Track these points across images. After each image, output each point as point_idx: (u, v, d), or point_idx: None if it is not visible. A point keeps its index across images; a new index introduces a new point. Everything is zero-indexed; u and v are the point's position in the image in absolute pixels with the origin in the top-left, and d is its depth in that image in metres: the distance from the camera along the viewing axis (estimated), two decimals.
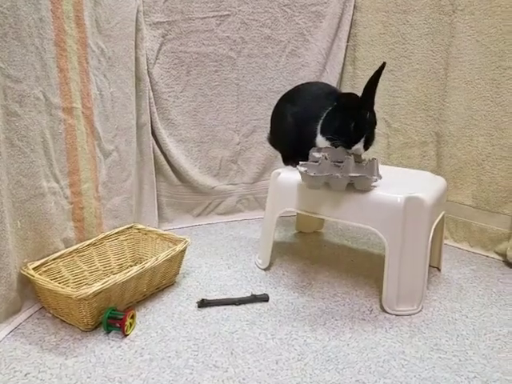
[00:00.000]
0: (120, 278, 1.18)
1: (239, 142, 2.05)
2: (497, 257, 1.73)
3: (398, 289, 1.29)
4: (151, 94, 1.76)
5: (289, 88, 1.85)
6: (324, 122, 1.42)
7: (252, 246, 1.77)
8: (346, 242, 1.84)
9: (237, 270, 1.55)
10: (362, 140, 1.35)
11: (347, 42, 2.08)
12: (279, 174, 1.50)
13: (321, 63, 2.09)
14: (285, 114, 1.56)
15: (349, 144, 1.35)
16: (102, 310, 1.19)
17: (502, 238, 1.71)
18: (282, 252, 1.71)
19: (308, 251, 1.75)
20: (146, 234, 1.53)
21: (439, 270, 1.59)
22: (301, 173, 1.33)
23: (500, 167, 1.68)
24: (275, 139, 1.68)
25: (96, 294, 1.14)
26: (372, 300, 1.37)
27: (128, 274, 1.20)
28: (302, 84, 1.62)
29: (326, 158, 1.28)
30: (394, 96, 1.96)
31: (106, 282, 1.15)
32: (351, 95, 1.38)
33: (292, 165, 1.56)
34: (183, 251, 1.40)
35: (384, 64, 1.33)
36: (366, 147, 1.38)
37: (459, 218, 1.82)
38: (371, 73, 1.37)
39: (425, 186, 1.39)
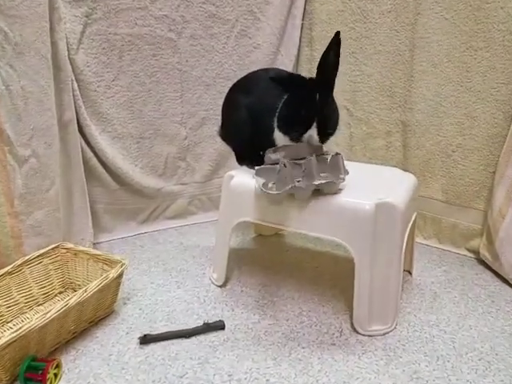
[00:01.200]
0: (36, 322, 0.96)
1: (186, 136, 1.84)
2: (468, 254, 1.65)
3: (370, 306, 1.15)
4: (75, 85, 1.50)
5: (240, 74, 1.65)
6: (279, 114, 1.24)
7: (206, 257, 1.58)
8: (310, 245, 1.69)
9: (188, 290, 1.36)
10: (314, 126, 1.15)
11: (302, 20, 1.90)
12: (232, 177, 1.32)
13: (274, 45, 1.89)
14: (237, 106, 1.37)
15: (299, 132, 1.17)
16: (19, 360, 0.98)
17: (473, 235, 1.62)
18: (239, 261, 1.54)
19: (269, 258, 1.59)
20: (75, 254, 1.31)
21: (410, 273, 1.48)
22: (260, 188, 1.15)
23: (472, 159, 1.58)
24: (227, 134, 1.49)
25: (6, 346, 0.92)
26: (341, 318, 1.23)
27: (47, 316, 0.98)
28: (256, 71, 1.43)
29: (285, 166, 1.10)
30: (356, 81, 1.80)
31: (19, 329, 0.94)
32: (283, 72, 1.22)
33: (248, 165, 1.39)
34: (120, 276, 1.19)
35: (338, 34, 1.12)
36: (324, 136, 1.17)
37: (428, 213, 1.72)
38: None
39: (395, 186, 1.25)
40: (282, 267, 1.52)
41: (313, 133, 1.15)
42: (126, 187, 1.74)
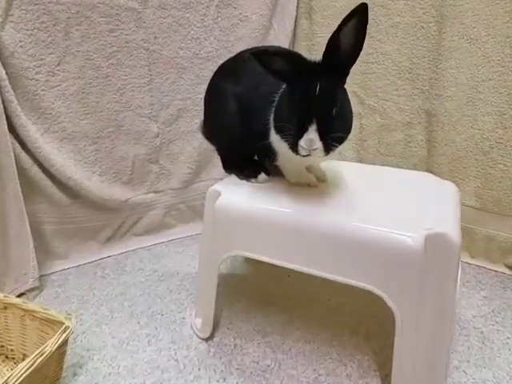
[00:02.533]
0: None
1: (158, 132, 1.49)
2: (508, 272, 1.38)
3: (415, 369, 0.86)
4: (2, 72, 1.13)
5: (223, 53, 1.32)
6: (276, 110, 0.93)
7: (187, 291, 1.26)
8: None
9: (162, 347, 1.04)
10: (314, 128, 0.81)
11: None
12: (218, 194, 0.99)
13: (266, 16, 1.55)
14: (224, 97, 1.05)
15: (293, 137, 0.84)
16: None
17: None
18: (230, 296, 1.23)
19: (267, 289, 1.27)
20: (5, 308, 0.97)
21: None
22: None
23: None
24: (211, 132, 1.16)
25: None
26: (371, 382, 0.94)
27: None
28: (249, 50, 1.10)
29: None
30: (368, 61, 1.48)
31: None
32: (281, 50, 0.92)
33: (238, 174, 1.09)
34: (63, 344, 0.86)
35: (364, 6, 0.78)
36: (327, 143, 0.82)
37: None
38: (334, 29, 0.83)
39: (439, 204, 0.95)
40: (285, 302, 1.21)
41: (313, 136, 0.81)
42: (80, 201, 1.39)
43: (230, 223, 0.97)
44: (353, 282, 0.85)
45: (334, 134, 0.82)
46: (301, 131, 0.81)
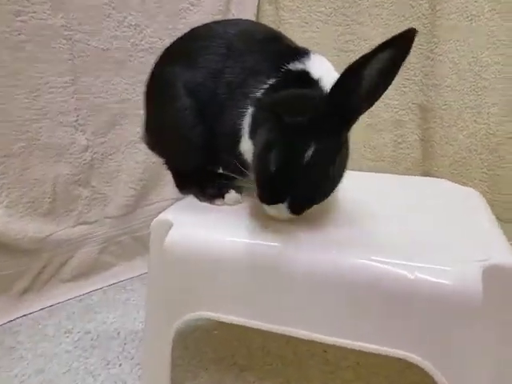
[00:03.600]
0: None
1: (88, 145, 1.17)
2: None
3: None
4: None
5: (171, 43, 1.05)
6: (253, 116, 0.71)
7: (131, 360, 0.92)
8: None
9: None
10: (284, 205, 0.64)
11: None
12: (169, 225, 0.70)
13: (222, 0, 1.29)
14: (173, 88, 0.78)
15: (259, 194, 0.66)
16: None
17: None
18: (191, 363, 0.91)
19: (242, 346, 0.96)
20: None
21: None
22: None
23: None
24: (157, 139, 0.87)
25: None
26: None
27: None
28: (206, 26, 0.83)
29: None
30: (347, 50, 1.26)
31: None
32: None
33: (197, 194, 0.82)
34: None
35: (412, 32, 0.58)
36: (298, 208, 0.65)
37: None
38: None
39: (474, 221, 0.72)
40: (269, 360, 0.91)
41: (282, 210, 0.64)
42: None
43: (188, 269, 0.68)
44: (375, 349, 0.58)
45: (306, 202, 0.65)
46: (269, 198, 0.64)
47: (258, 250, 0.64)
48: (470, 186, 1.15)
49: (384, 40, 1.13)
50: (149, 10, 1.19)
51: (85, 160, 1.18)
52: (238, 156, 0.73)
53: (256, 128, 0.68)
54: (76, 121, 1.14)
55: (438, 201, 0.81)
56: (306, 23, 1.29)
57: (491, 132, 1.13)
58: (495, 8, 1.06)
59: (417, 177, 1.03)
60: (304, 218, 0.68)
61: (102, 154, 1.21)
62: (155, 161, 1.26)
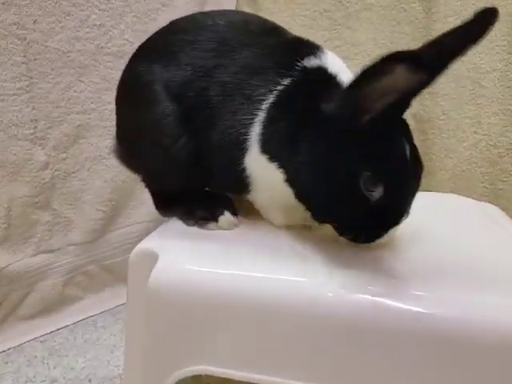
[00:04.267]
0: None
1: (48, 162, 1.02)
2: None
3: None
4: None
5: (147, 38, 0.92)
6: (272, 121, 0.59)
7: None
8: None
9: None
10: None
11: None
12: (154, 257, 0.58)
13: (196, 0, 1.18)
14: (151, 90, 0.65)
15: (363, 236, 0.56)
16: None
17: None
18: None
19: None
20: None
21: None
22: None
23: None
24: (131, 151, 0.73)
25: None
26: None
27: None
28: (194, 15, 0.72)
29: None
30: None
31: None
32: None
33: (184, 217, 0.69)
34: None
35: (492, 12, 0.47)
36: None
37: None
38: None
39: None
40: None
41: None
42: None
43: (180, 315, 0.54)
44: None
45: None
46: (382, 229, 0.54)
47: (273, 286, 0.52)
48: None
49: (375, 45, 1.02)
50: (115, 9, 1.06)
51: (44, 179, 1.02)
52: (239, 172, 0.61)
53: (291, 141, 0.57)
54: (33, 134, 0.99)
55: (460, 222, 0.72)
56: (289, 28, 1.19)
57: (492, 143, 1.07)
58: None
59: (428, 192, 0.94)
60: (329, 243, 0.57)
61: (65, 172, 1.06)
62: (126, 178, 1.12)
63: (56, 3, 0.98)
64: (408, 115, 1.18)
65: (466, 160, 1.10)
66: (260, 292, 0.53)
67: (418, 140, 1.15)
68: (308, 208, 0.59)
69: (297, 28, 1.18)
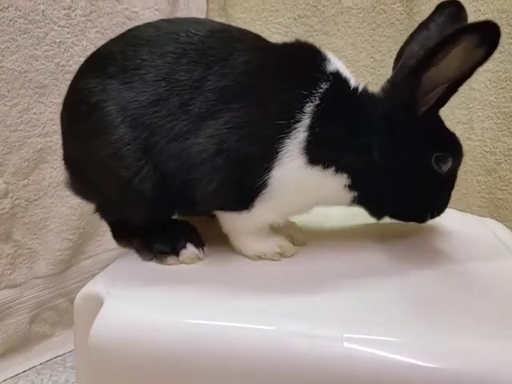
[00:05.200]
0: None
1: (7, 189, 0.94)
2: None
3: None
4: None
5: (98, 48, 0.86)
6: (322, 126, 0.54)
7: None
8: None
9: None
10: None
11: None
12: (99, 303, 0.50)
13: (163, 12, 1.14)
14: (105, 114, 0.56)
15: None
16: None
17: None
18: None
19: None
20: None
21: None
22: None
23: None
24: (87, 187, 0.66)
25: None
26: None
27: None
28: (159, 23, 0.63)
29: None
30: None
31: None
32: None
33: (141, 250, 0.62)
34: None
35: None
36: None
37: None
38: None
39: None
40: None
41: None
42: None
43: (127, 371, 0.46)
44: None
45: None
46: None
47: (232, 337, 0.43)
48: (469, 213, 1.00)
49: (355, 50, 0.98)
50: (76, 25, 0.99)
51: (3, 209, 0.93)
52: (248, 188, 0.55)
53: (350, 144, 0.55)
54: None
55: (462, 243, 0.64)
56: (264, 37, 1.14)
57: (487, 150, 0.98)
58: (480, 8, 0.93)
59: None
60: (307, 278, 0.49)
61: (26, 200, 0.97)
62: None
63: (10, 21, 0.91)
64: None
65: (461, 168, 1.00)
66: (217, 344, 0.44)
67: None
68: (370, 208, 0.61)
69: (272, 36, 1.11)
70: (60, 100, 0.97)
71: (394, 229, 0.69)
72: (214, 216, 0.63)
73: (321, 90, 0.53)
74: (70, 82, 0.66)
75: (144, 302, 0.50)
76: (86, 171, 0.62)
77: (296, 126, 0.52)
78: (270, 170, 0.53)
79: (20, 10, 0.92)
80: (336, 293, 0.50)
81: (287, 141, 0.52)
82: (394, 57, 1.05)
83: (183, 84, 0.55)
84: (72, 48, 1.00)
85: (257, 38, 0.62)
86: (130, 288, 0.53)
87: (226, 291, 0.51)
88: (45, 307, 1.03)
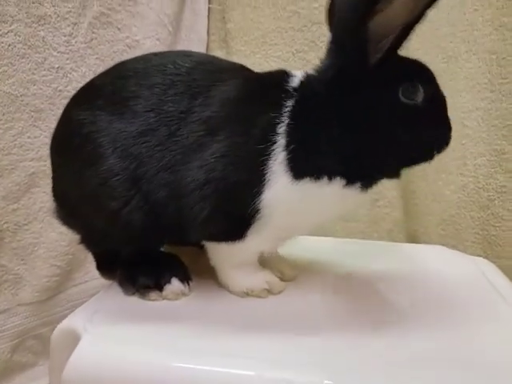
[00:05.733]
0: None
1: None
2: None
3: None
4: None
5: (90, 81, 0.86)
6: (299, 141, 0.54)
7: None
8: None
9: None
10: None
11: (210, 2, 1.17)
12: (75, 339, 0.48)
13: (164, 42, 1.14)
14: (96, 145, 0.57)
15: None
16: None
17: None
18: None
19: None
20: None
21: None
22: None
23: None
24: (75, 218, 0.66)
25: None
26: None
27: None
28: (148, 56, 0.64)
29: None
30: None
31: None
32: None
33: (124, 284, 0.60)
34: None
35: None
36: None
37: None
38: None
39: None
40: None
41: None
42: None
43: None
44: None
45: None
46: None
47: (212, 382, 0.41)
48: (463, 250, 0.99)
49: None
50: (76, 51, 0.99)
51: None
52: (246, 216, 0.53)
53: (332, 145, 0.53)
54: None
55: (454, 285, 0.63)
56: (262, 70, 1.15)
57: (480, 186, 0.98)
58: (471, 49, 0.95)
59: (404, 244, 0.85)
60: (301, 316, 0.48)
61: (15, 225, 0.95)
62: None
63: (9, 45, 0.91)
64: None
65: (455, 204, 1.00)
66: None
67: (401, 184, 1.07)
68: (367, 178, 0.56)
69: (270, 69, 1.13)
70: (55, 125, 0.97)
71: (382, 267, 0.69)
72: (202, 247, 0.62)
73: (287, 109, 0.54)
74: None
75: (121, 341, 0.48)
76: (74, 202, 0.61)
77: (274, 147, 0.52)
78: (259, 195, 0.53)
79: (20, 36, 0.92)
80: (320, 337, 0.49)
81: (270, 163, 0.52)
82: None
83: (171, 115, 0.56)
84: (71, 73, 0.99)
85: (240, 69, 0.63)
86: (109, 325, 0.51)
87: (207, 332, 0.50)
88: (28, 335, 0.99)
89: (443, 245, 0.99)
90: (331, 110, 0.54)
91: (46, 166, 0.99)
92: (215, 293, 0.59)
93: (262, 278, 0.59)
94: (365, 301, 0.59)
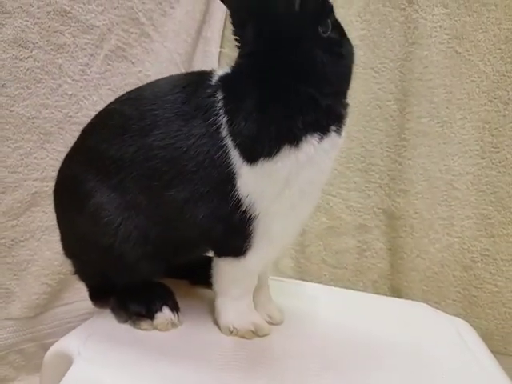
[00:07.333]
0: None
1: None
2: None
3: None
4: None
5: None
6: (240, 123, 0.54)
7: None
8: None
9: None
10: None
11: (221, 46, 1.21)
12: (68, 362, 0.51)
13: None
14: (83, 187, 0.62)
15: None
16: None
17: None
18: None
19: None
20: None
21: None
22: None
23: (509, 274, 0.95)
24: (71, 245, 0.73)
25: None
26: None
27: None
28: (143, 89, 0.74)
29: None
30: None
31: None
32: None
33: (117, 311, 0.61)
34: None
35: None
36: None
37: None
38: None
39: None
40: None
41: None
42: None
43: None
44: None
45: None
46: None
47: None
48: (443, 307, 1.00)
49: (348, 139, 0.99)
50: (90, 80, 1.02)
51: None
52: (231, 214, 0.54)
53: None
54: None
55: (429, 343, 0.63)
56: None
57: (465, 247, 0.99)
58: (466, 116, 0.97)
59: (388, 298, 0.85)
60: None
61: (12, 240, 0.96)
62: None
63: (28, 70, 0.93)
64: (378, 210, 1.11)
65: (439, 262, 1.01)
66: None
67: (388, 237, 1.08)
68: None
69: None
70: (62, 148, 1.00)
71: (365, 320, 0.70)
72: (194, 283, 0.63)
73: (219, 98, 0.55)
74: (75, 133, 0.75)
75: (112, 367, 0.49)
76: (72, 244, 0.69)
77: (220, 137, 0.54)
78: (234, 187, 0.53)
79: (38, 62, 0.95)
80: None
81: (226, 154, 0.53)
82: (387, 148, 1.08)
83: (128, 158, 0.60)
84: (82, 101, 1.02)
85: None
86: (101, 351, 0.52)
87: (191, 369, 0.51)
88: (11, 350, 0.98)
89: (425, 300, 1.00)
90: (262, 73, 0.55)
91: (48, 186, 1.01)
92: (203, 328, 0.60)
93: (250, 320, 0.59)
94: (341, 351, 0.59)
